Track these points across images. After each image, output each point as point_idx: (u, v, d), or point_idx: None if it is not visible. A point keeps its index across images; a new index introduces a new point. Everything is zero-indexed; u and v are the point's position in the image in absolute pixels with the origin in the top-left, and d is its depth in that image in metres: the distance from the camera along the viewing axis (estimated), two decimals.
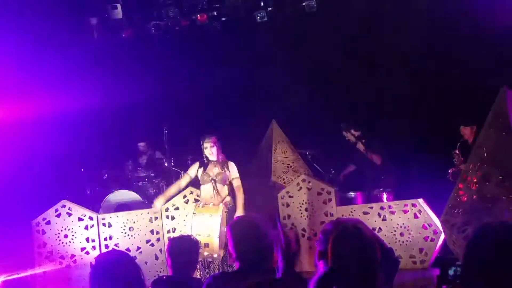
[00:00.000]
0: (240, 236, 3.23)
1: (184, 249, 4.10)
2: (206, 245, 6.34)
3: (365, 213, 7.37)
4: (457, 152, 7.67)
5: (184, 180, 7.02)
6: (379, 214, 7.30)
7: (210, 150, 6.72)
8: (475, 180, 6.09)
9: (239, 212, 6.62)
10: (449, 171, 7.74)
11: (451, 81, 8.51)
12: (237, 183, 6.77)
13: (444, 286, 2.61)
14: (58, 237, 7.75)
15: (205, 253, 6.37)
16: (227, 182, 6.75)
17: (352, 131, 8.40)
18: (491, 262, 2.03)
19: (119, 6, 8.84)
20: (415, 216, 7.12)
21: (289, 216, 7.69)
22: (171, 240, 4.48)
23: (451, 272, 2.61)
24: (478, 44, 8.06)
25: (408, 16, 8.57)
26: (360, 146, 8.36)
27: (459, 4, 7.96)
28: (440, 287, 2.59)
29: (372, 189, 8.41)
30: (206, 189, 6.77)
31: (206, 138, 6.75)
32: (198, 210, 6.56)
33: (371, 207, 7.41)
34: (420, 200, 7.20)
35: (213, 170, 6.76)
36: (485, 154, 6.07)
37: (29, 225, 7.77)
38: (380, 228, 7.25)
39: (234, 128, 9.17)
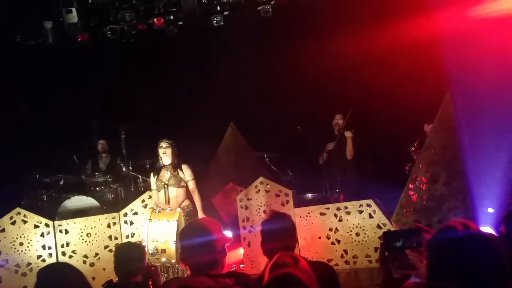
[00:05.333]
0: (187, 242, 3.25)
1: (128, 255, 4.11)
2: (163, 251, 6.34)
3: (322, 214, 7.49)
4: (413, 149, 7.86)
5: (154, 195, 6.99)
6: (335, 215, 7.43)
7: (164, 150, 6.77)
8: (424, 180, 6.30)
9: (200, 215, 6.67)
10: (406, 167, 7.93)
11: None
12: (192, 185, 6.82)
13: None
14: (14, 245, 7.64)
15: (163, 259, 6.38)
16: (181, 185, 6.78)
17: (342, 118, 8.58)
18: (457, 260, 2.14)
19: (74, 10, 8.72)
20: (370, 216, 7.27)
21: (248, 218, 7.75)
22: (117, 247, 4.50)
23: (398, 244, 2.62)
24: None
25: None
26: (348, 133, 8.44)
27: None
28: (384, 255, 2.59)
29: (329, 190, 8.54)
30: (161, 195, 6.80)
31: (161, 141, 6.83)
32: (154, 216, 6.55)
33: (328, 208, 7.53)
34: (375, 201, 7.35)
35: (165, 175, 6.79)
36: (434, 155, 6.28)
37: None
38: (336, 228, 7.38)
39: (192, 131, 9.18)
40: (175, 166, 6.81)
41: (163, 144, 6.81)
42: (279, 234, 3.41)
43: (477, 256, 2.15)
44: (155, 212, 6.63)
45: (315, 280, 2.33)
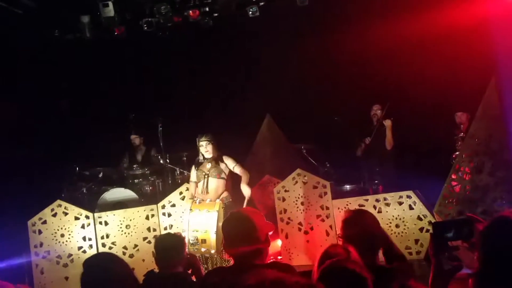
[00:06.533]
0: (230, 232, 3.21)
1: (168, 246, 4.11)
2: (203, 241, 6.37)
3: (360, 205, 7.36)
4: (462, 134, 7.68)
5: (192, 187, 7.03)
6: (374, 207, 7.30)
7: (206, 148, 6.79)
8: (468, 170, 6.13)
9: (244, 188, 6.68)
10: (453, 155, 7.77)
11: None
12: (238, 168, 6.83)
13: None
14: (55, 236, 7.78)
15: (203, 249, 6.40)
16: (222, 176, 6.78)
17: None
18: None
19: (110, 3, 8.80)
20: (410, 208, 7.13)
21: (285, 210, 7.70)
22: (157, 238, 4.52)
23: (449, 234, 2.53)
24: None
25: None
26: (387, 122, 8.36)
27: None
28: (435, 246, 2.50)
29: (368, 181, 8.43)
30: (200, 185, 6.82)
31: (201, 137, 6.83)
32: (195, 206, 6.58)
33: (366, 200, 7.40)
34: (415, 192, 7.20)
35: (207, 166, 6.81)
36: (478, 145, 6.11)
37: (26, 225, 7.78)
38: None
39: (228, 124, 9.17)
40: (217, 159, 6.83)
41: (203, 142, 6.81)
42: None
43: None
44: (195, 202, 6.66)
45: (369, 275, 2.27)
